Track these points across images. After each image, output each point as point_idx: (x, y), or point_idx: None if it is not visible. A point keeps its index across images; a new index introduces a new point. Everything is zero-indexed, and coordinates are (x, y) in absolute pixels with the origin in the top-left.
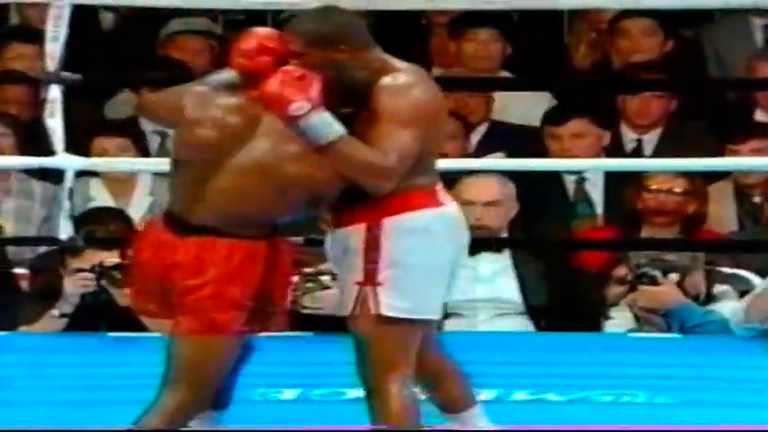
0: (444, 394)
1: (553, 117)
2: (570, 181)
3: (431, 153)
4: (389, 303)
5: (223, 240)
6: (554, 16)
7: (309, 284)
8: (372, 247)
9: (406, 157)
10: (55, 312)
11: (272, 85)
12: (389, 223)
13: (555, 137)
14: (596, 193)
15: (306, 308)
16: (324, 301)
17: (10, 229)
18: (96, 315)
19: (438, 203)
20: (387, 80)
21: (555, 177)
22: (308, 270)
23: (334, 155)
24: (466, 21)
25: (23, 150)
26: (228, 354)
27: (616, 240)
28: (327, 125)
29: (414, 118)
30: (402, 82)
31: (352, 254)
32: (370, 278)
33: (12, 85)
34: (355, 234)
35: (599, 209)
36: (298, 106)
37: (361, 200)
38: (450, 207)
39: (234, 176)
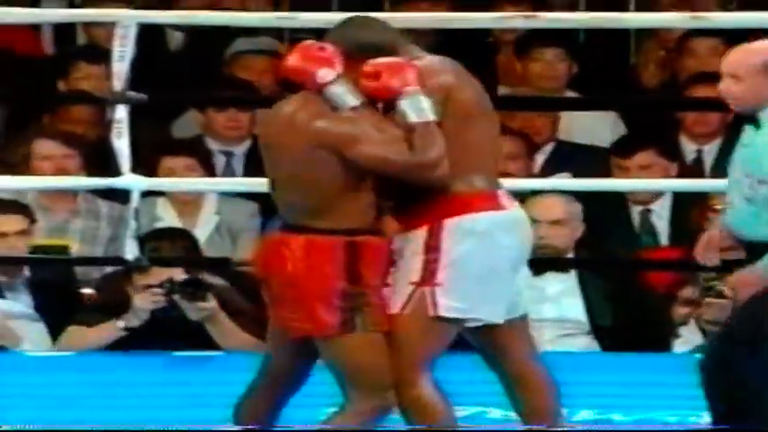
0: (528, 404)
1: (621, 149)
2: (636, 212)
3: (484, 153)
4: (446, 304)
5: (299, 238)
6: (621, 35)
7: None
8: (432, 247)
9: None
10: (120, 324)
11: (295, 59)
12: (450, 224)
13: (622, 168)
14: (662, 224)
15: None
16: None
17: (77, 250)
18: (167, 331)
19: (500, 207)
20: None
21: (621, 206)
22: None
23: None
24: (532, 40)
25: (90, 170)
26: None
27: (682, 261)
28: (349, 94)
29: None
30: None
31: (410, 255)
32: (429, 279)
33: (78, 105)
34: (416, 236)
35: (664, 240)
36: (324, 74)
37: (422, 203)
38: (513, 211)
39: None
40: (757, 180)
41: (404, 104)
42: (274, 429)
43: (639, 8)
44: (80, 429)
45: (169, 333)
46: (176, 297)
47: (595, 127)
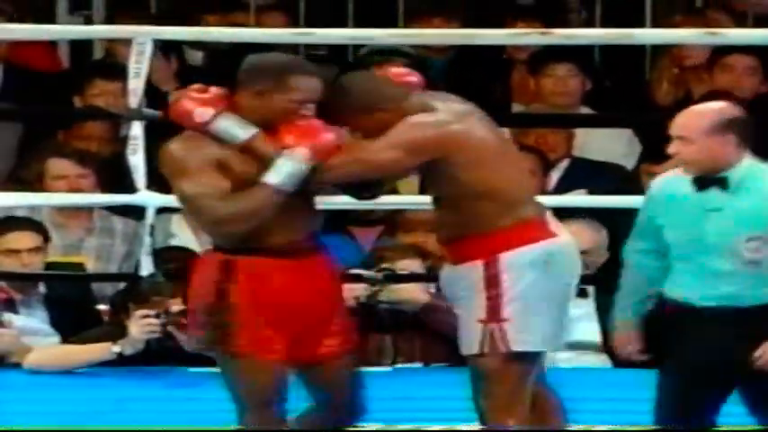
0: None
1: (651, 155)
2: None
3: (518, 180)
4: (518, 338)
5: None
6: (636, 52)
7: None
8: (492, 283)
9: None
10: (115, 348)
11: (177, 101)
12: (507, 258)
13: (652, 175)
14: None
15: None
16: None
17: (92, 266)
18: (161, 359)
19: (552, 234)
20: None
21: None
22: None
23: (251, 151)
24: (545, 56)
25: (105, 187)
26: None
27: None
28: (237, 126)
29: (404, 142)
30: (424, 117)
31: (470, 291)
32: (495, 315)
33: (93, 122)
34: (472, 271)
35: None
36: (200, 112)
37: (473, 236)
38: (563, 237)
39: None
40: (764, 241)
41: (278, 160)
42: (276, 430)
43: (655, 24)
44: (79, 430)
45: (164, 360)
46: (171, 328)
47: (611, 143)
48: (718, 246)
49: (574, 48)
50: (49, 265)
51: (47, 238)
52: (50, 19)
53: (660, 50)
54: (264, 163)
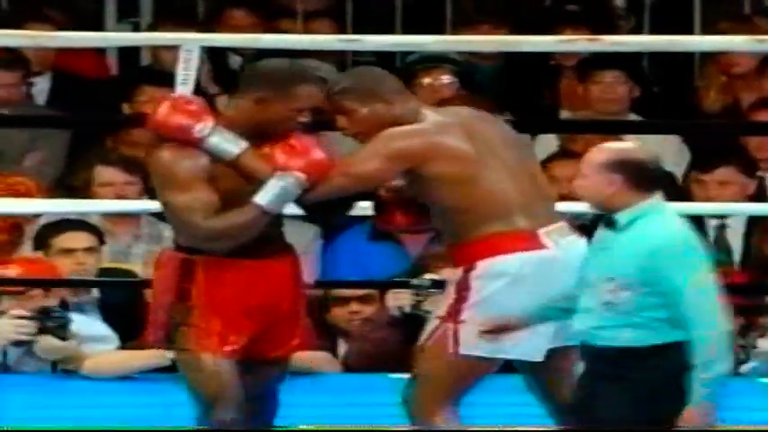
0: None
1: (701, 163)
2: (711, 227)
3: (504, 194)
4: (467, 342)
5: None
6: (684, 59)
7: None
8: (463, 287)
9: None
10: (170, 354)
11: (166, 113)
12: (483, 265)
13: (701, 183)
14: (736, 241)
15: None
16: None
17: (140, 273)
18: None
19: (539, 246)
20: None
21: (698, 221)
22: None
23: (241, 168)
24: (593, 63)
25: (152, 194)
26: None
27: (751, 285)
28: (230, 142)
29: (385, 151)
30: (403, 128)
31: (447, 293)
32: (454, 315)
33: (140, 129)
34: (455, 276)
35: (737, 257)
36: (200, 128)
37: (462, 243)
38: (550, 251)
39: None
40: (620, 284)
41: (270, 181)
42: (276, 429)
43: (704, 31)
44: (79, 429)
45: None
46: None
47: (659, 151)
48: (590, 283)
49: (622, 54)
50: (101, 272)
51: (102, 240)
52: (99, 26)
53: (708, 57)
54: (252, 179)
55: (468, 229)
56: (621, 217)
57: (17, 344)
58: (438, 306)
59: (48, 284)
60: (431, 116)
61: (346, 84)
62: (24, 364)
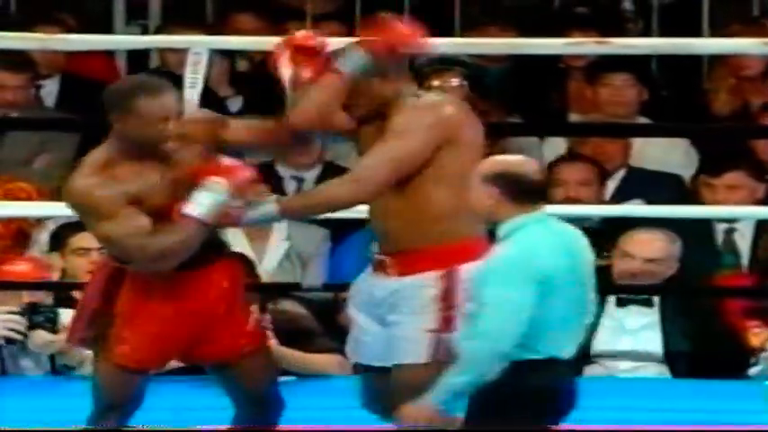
0: None
1: (710, 167)
2: (720, 231)
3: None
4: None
5: None
6: (694, 61)
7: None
8: (448, 295)
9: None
10: None
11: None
12: (465, 272)
13: (710, 186)
14: (744, 244)
15: None
16: None
17: None
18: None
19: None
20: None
21: (706, 226)
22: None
23: (295, 214)
24: (602, 66)
25: None
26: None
27: (759, 288)
28: (263, 213)
29: (412, 131)
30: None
31: (419, 301)
32: (447, 326)
33: None
34: (423, 281)
35: (745, 260)
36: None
37: (427, 247)
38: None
39: None
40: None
41: (200, 192)
42: (275, 430)
43: (713, 34)
44: (80, 429)
45: None
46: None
47: (668, 154)
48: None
49: (631, 57)
50: None
51: None
52: (108, 29)
53: (718, 60)
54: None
55: (443, 232)
56: (501, 229)
57: (8, 341)
58: (414, 315)
59: (48, 287)
60: (429, 96)
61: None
62: (22, 366)
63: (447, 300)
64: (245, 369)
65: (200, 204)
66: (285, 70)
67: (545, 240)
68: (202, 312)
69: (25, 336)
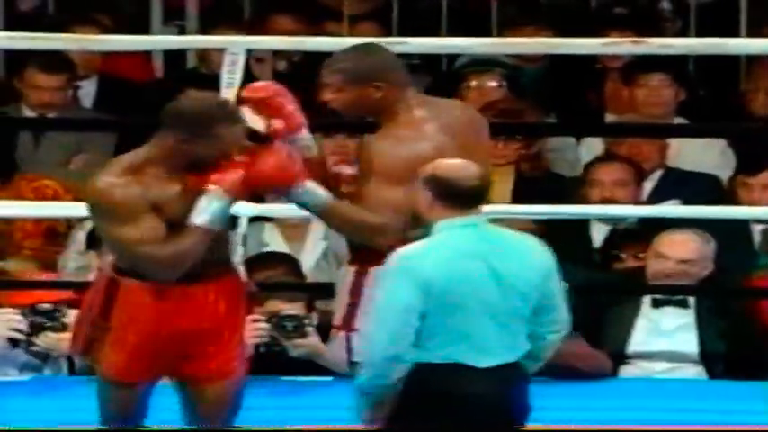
0: None
1: (747, 167)
2: (757, 231)
3: None
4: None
5: None
6: (731, 62)
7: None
8: (357, 292)
9: (398, 213)
10: None
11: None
12: (376, 272)
13: (746, 186)
14: None
15: None
16: None
17: None
18: (268, 366)
19: None
20: (385, 133)
21: (742, 226)
22: None
23: (330, 218)
24: (638, 66)
25: None
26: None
27: None
28: (315, 196)
29: (403, 175)
30: (400, 136)
31: (340, 293)
32: (348, 323)
33: None
34: (346, 275)
35: None
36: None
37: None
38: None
39: None
40: None
41: (203, 200)
42: (273, 429)
43: (751, 34)
44: (85, 429)
45: (274, 366)
46: (276, 333)
47: (705, 154)
48: None
49: (668, 57)
50: None
51: None
52: (145, 30)
53: (755, 60)
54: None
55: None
56: (428, 231)
57: (13, 342)
58: (334, 313)
59: (48, 285)
60: (416, 112)
61: (343, 65)
62: (44, 368)
63: (354, 297)
64: (211, 395)
65: (202, 211)
66: (257, 122)
67: (445, 246)
68: (193, 331)
69: (29, 336)
